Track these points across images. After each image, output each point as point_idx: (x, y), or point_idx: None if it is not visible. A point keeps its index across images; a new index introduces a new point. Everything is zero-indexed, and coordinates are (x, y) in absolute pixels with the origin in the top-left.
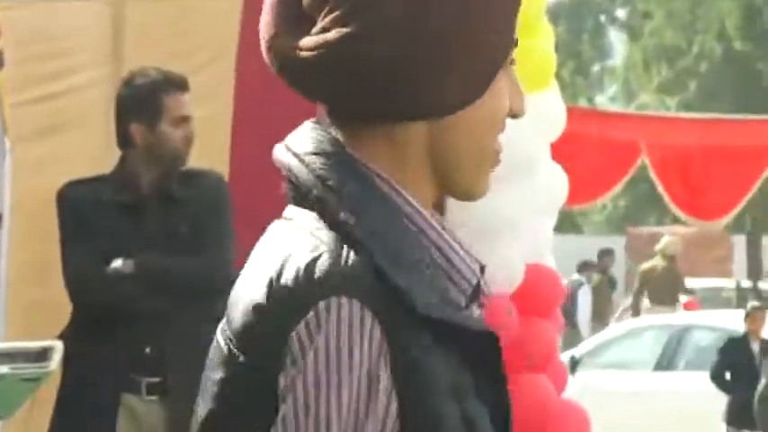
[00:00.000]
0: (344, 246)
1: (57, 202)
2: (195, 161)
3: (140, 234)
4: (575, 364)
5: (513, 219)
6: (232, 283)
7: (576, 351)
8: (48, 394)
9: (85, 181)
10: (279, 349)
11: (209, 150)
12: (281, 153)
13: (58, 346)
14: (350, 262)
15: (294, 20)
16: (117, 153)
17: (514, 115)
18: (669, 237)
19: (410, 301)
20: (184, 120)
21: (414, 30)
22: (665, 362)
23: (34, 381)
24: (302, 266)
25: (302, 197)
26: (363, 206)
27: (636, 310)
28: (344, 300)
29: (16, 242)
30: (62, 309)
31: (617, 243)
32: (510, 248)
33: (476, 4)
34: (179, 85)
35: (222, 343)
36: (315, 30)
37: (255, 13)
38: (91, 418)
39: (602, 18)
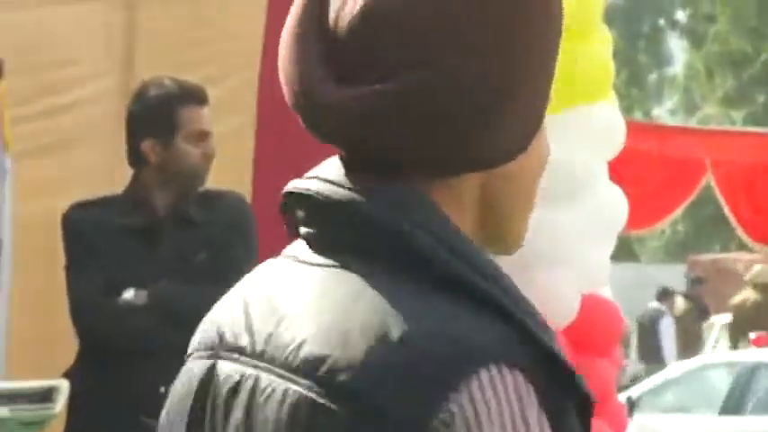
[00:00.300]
0: (474, 303)
1: (62, 226)
2: (214, 181)
3: (154, 261)
4: (632, 405)
5: (568, 245)
6: None
7: (634, 391)
8: None
9: (94, 202)
10: (420, 420)
11: (230, 169)
12: (325, 188)
13: (64, 385)
14: (494, 323)
15: (332, 65)
16: (129, 172)
17: (546, 162)
18: (761, 265)
19: (563, 365)
20: (203, 135)
21: (483, 78)
22: (732, 404)
23: (37, 424)
24: (441, 328)
25: (372, 241)
26: (475, 258)
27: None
28: (505, 369)
29: (18, 270)
30: (68, 344)
31: (677, 271)
32: (564, 278)
33: (536, 51)
34: (197, 96)
35: (317, 401)
36: (369, 77)
37: (281, 18)
38: None
39: (661, 22)
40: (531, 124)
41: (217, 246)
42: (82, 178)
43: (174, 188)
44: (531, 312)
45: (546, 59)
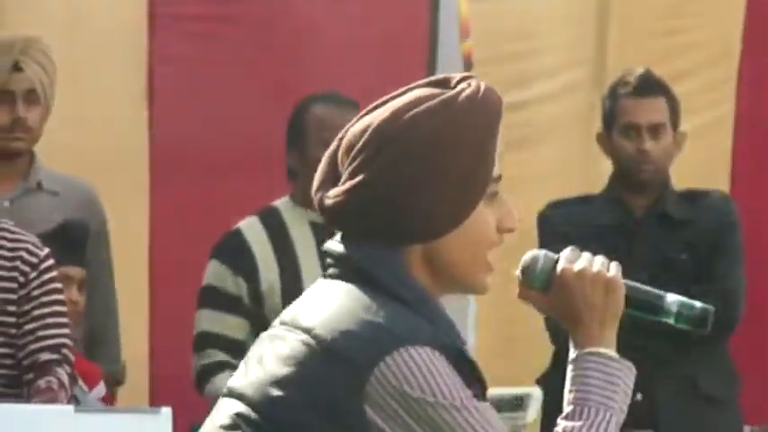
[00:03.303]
0: (412, 310)
1: (538, 225)
2: (693, 175)
3: (634, 261)
4: None
5: None
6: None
7: None
8: None
9: (571, 201)
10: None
11: (708, 163)
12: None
13: (536, 393)
14: (423, 323)
15: (334, 177)
16: (596, 169)
17: (509, 230)
18: None
19: (468, 357)
20: (637, 129)
21: (412, 177)
22: None
23: None
24: (390, 319)
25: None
26: (410, 284)
27: None
28: (421, 349)
29: None
30: (536, 350)
31: None
32: None
33: (454, 159)
34: (649, 88)
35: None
36: (342, 180)
37: (761, 8)
38: None
39: None
40: (457, 211)
41: (699, 247)
42: (547, 176)
43: (646, 187)
44: (448, 322)
45: (474, 161)
